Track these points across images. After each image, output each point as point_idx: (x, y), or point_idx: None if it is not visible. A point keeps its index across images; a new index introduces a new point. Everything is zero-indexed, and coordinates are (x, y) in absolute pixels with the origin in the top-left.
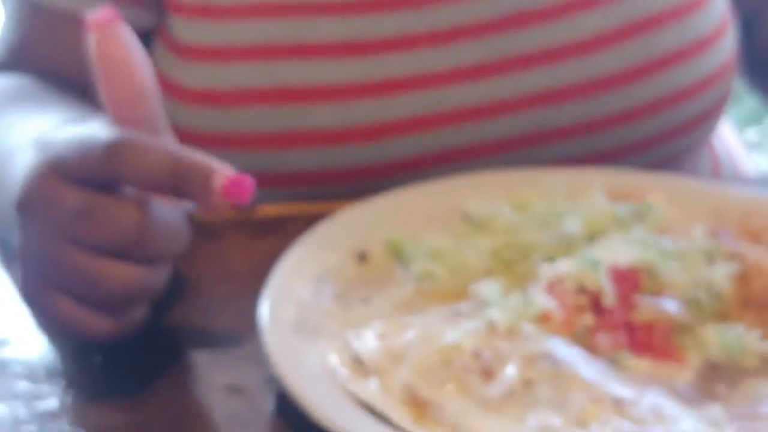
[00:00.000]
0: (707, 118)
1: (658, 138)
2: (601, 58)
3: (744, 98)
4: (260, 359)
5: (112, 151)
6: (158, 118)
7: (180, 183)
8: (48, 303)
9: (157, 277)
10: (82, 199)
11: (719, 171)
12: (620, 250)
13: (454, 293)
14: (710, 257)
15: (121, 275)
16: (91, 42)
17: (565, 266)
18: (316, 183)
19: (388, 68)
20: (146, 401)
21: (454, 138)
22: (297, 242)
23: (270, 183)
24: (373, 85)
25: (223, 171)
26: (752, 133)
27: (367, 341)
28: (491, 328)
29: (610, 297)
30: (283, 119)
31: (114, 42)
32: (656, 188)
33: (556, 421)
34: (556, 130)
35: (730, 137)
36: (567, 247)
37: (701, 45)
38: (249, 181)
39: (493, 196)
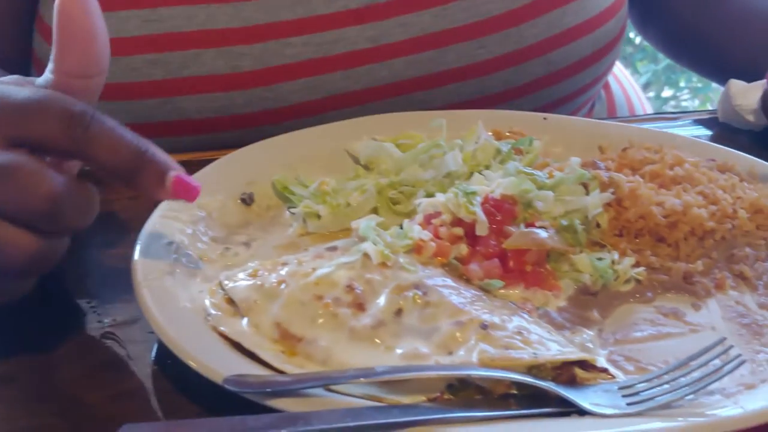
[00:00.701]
0: (595, 59)
1: (546, 79)
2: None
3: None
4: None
5: (88, 124)
6: (98, 92)
7: (136, 173)
8: None
9: (59, 248)
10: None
11: (614, 113)
12: (496, 183)
13: (339, 234)
14: (585, 186)
15: (23, 244)
16: (56, 8)
17: (441, 198)
18: (205, 131)
19: (275, 12)
20: (14, 351)
21: (344, 82)
22: None
23: (159, 132)
24: (259, 30)
25: (176, 170)
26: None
27: (240, 281)
28: (365, 261)
29: (483, 226)
30: (169, 66)
31: (79, 10)
32: (539, 126)
33: (423, 348)
34: (445, 72)
35: (627, 79)
36: (450, 183)
37: None
38: (196, 184)
39: (379, 137)
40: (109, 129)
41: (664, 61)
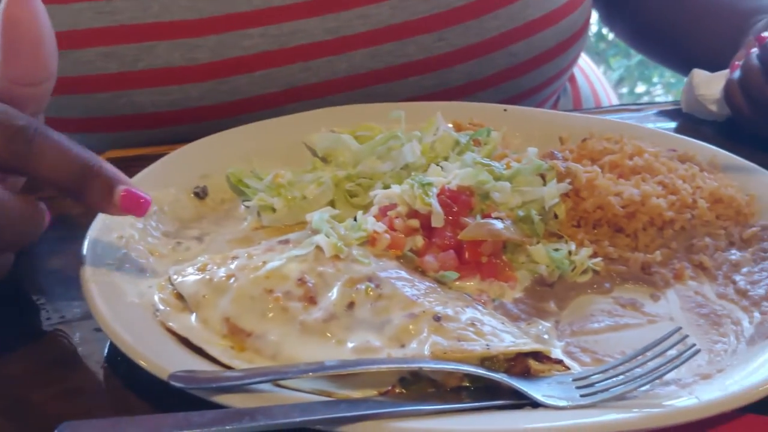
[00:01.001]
0: (559, 51)
1: (509, 72)
2: None
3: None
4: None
5: (32, 139)
6: (47, 98)
7: (84, 188)
8: None
9: (2, 264)
10: None
11: (580, 105)
12: (453, 174)
13: (295, 228)
14: (543, 177)
15: None
16: (3, 10)
17: (396, 190)
18: (161, 125)
19: (232, 3)
20: None
21: (302, 75)
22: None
23: (113, 126)
24: (215, 21)
25: (124, 185)
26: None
27: (188, 276)
28: (317, 254)
29: (439, 217)
30: (123, 59)
31: (27, 13)
32: (499, 117)
33: (375, 341)
34: (406, 65)
35: (594, 72)
36: (408, 175)
37: None
38: (146, 198)
39: (337, 129)
40: (54, 143)
41: (637, 56)
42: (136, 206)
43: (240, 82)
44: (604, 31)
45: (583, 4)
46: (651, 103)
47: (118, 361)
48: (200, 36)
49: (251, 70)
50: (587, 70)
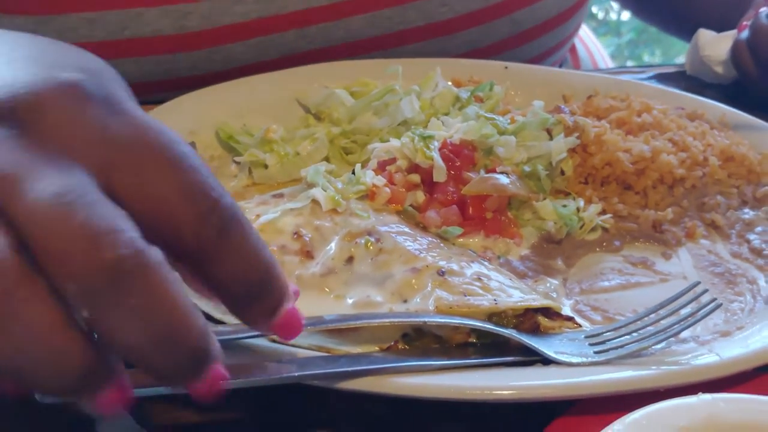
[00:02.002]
0: (562, 20)
1: (511, 40)
2: None
3: None
4: None
5: (227, 224)
6: None
7: (250, 303)
8: None
9: None
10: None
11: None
12: (455, 127)
13: (287, 185)
14: (549, 132)
15: None
16: None
17: (396, 143)
18: (149, 95)
19: None
20: None
21: (298, 42)
22: None
23: None
24: None
25: (290, 300)
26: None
27: None
28: (314, 207)
29: (441, 172)
30: (108, 26)
31: None
32: (500, 75)
33: (376, 296)
34: (405, 31)
35: (594, 42)
36: (406, 131)
37: None
38: (301, 322)
39: (332, 84)
40: (250, 235)
41: (627, 35)
42: (291, 328)
43: (233, 50)
44: (594, 9)
45: None
46: (653, 65)
47: None
48: (191, 2)
49: (244, 37)
50: (587, 40)
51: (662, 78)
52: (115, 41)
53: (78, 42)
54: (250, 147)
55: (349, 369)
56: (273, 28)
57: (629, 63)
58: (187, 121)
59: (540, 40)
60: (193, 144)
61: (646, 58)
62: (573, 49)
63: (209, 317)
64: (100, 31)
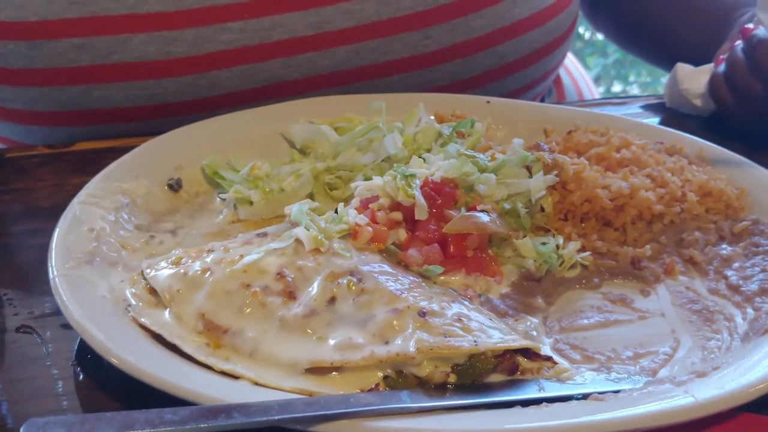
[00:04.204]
0: (545, 53)
1: (495, 73)
2: None
3: None
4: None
5: None
6: None
7: None
8: None
9: None
10: None
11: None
12: (437, 165)
13: (272, 221)
14: (529, 169)
15: None
16: None
17: (378, 181)
18: (136, 119)
19: None
20: None
21: (283, 71)
22: (101, 172)
23: (87, 120)
24: (193, 14)
25: None
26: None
27: (162, 270)
28: (297, 247)
29: (423, 210)
30: (96, 51)
31: None
32: (482, 110)
33: (358, 338)
34: (390, 63)
35: (579, 71)
36: (389, 168)
37: None
38: None
39: (316, 120)
40: None
41: (613, 55)
42: None
43: (219, 77)
44: (581, 29)
45: (569, 6)
46: (634, 97)
47: (89, 358)
48: (177, 29)
49: (230, 65)
50: (571, 68)
51: (645, 109)
52: (103, 66)
53: (66, 66)
54: (236, 183)
55: (329, 412)
56: (259, 56)
57: (615, 83)
58: (173, 157)
59: (524, 72)
60: (179, 179)
61: (632, 78)
62: (558, 80)
63: (192, 359)
64: (88, 55)
